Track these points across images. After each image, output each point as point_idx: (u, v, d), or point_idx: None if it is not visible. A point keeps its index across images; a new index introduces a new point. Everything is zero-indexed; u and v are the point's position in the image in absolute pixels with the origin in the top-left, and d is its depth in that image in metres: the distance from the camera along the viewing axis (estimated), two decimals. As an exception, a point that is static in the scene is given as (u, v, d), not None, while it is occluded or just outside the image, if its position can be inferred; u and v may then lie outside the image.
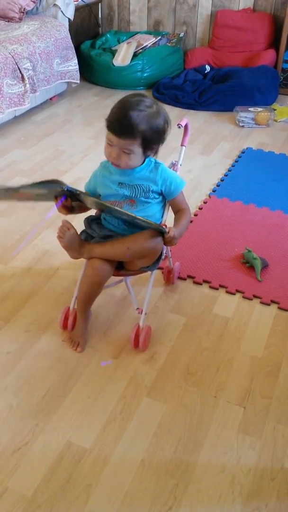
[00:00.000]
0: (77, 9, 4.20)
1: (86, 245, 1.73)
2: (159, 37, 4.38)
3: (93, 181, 1.80)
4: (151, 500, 1.38)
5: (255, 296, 2.08)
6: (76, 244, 1.72)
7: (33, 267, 2.22)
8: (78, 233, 1.75)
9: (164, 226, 1.75)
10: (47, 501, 1.37)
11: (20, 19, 3.74)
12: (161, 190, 1.71)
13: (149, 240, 1.67)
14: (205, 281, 2.16)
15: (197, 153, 3.24)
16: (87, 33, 4.60)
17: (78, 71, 3.92)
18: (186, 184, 1.78)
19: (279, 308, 2.03)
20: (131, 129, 1.57)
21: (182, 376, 1.74)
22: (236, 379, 1.74)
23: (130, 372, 1.75)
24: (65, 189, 1.62)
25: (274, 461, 1.49)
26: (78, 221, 1.83)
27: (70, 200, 1.73)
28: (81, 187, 2.88)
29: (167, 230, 1.65)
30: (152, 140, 1.62)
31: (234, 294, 2.10)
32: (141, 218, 1.59)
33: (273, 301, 2.06)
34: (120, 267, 1.80)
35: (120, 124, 1.57)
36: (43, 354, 1.81)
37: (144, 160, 1.68)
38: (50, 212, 2.58)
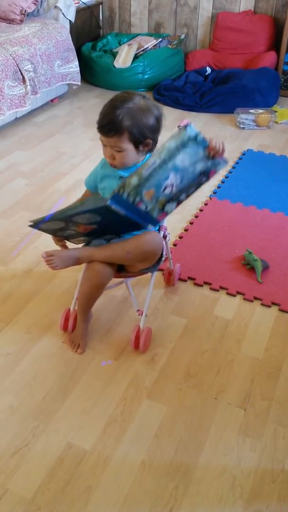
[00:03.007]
0: (78, 11, 4.21)
1: (85, 252, 1.72)
2: (160, 39, 4.38)
3: (93, 176, 1.80)
4: (152, 502, 1.38)
5: (255, 298, 2.08)
6: (71, 261, 1.70)
7: (33, 268, 2.22)
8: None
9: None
10: (47, 503, 1.37)
11: (21, 21, 3.75)
12: None
13: (149, 243, 1.67)
14: (206, 283, 2.16)
15: (198, 155, 3.24)
16: (88, 35, 4.61)
17: (79, 73, 3.92)
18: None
19: (280, 309, 2.03)
20: (114, 126, 1.57)
21: (183, 377, 1.74)
22: (236, 381, 1.73)
23: (130, 373, 1.75)
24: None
25: (274, 463, 1.49)
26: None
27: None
28: (81, 188, 2.88)
29: (207, 142, 1.56)
30: (141, 135, 1.60)
31: (234, 295, 2.10)
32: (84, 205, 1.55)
33: (273, 303, 2.06)
34: (120, 269, 1.80)
35: (104, 123, 1.59)
36: (43, 355, 1.81)
37: (146, 156, 1.69)
38: (50, 214, 2.58)
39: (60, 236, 1.74)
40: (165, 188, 1.54)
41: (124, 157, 1.63)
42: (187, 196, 1.63)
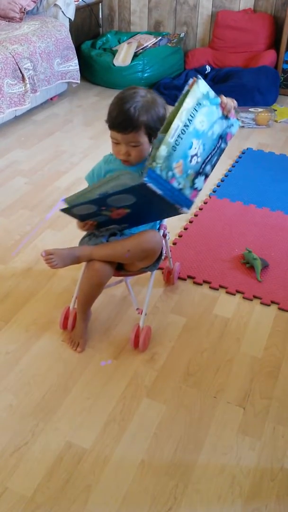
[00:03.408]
0: (78, 9, 4.20)
1: (84, 250, 1.72)
2: (160, 38, 4.37)
3: (97, 172, 1.78)
4: (151, 501, 1.38)
5: (255, 297, 2.08)
6: (70, 259, 1.70)
7: (33, 267, 2.22)
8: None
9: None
10: (47, 502, 1.37)
11: (21, 19, 3.74)
12: None
13: (149, 241, 1.67)
14: (205, 282, 2.16)
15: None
16: (88, 33, 4.60)
17: (79, 71, 3.92)
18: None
19: (279, 308, 2.03)
20: (132, 122, 1.56)
21: (182, 376, 1.74)
22: (236, 379, 1.73)
23: (130, 372, 1.75)
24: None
25: (274, 462, 1.49)
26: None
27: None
28: (80, 186, 2.88)
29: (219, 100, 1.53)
30: (155, 127, 1.60)
31: (234, 294, 2.10)
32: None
33: (273, 302, 2.06)
34: (120, 268, 1.80)
35: (121, 120, 1.57)
36: (43, 354, 1.81)
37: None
38: (50, 213, 2.59)
39: (92, 221, 1.69)
40: (191, 159, 1.50)
41: (141, 151, 1.62)
42: (212, 167, 1.59)
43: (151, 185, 1.40)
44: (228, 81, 3.93)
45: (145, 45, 4.29)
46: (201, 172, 1.55)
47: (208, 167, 1.57)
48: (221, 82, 4.01)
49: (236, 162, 3.15)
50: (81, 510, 1.36)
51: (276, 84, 3.95)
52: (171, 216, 1.67)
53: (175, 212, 1.56)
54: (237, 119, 1.58)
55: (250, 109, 3.64)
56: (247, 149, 3.31)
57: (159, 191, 1.43)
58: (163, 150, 1.41)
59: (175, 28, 4.55)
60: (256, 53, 4.13)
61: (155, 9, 4.55)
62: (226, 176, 2.98)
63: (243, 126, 3.61)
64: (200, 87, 1.46)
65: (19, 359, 1.79)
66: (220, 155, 1.60)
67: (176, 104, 1.44)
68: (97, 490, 1.40)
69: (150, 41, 4.34)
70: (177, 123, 1.42)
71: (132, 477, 1.44)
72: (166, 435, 1.55)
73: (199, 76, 1.46)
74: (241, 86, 3.77)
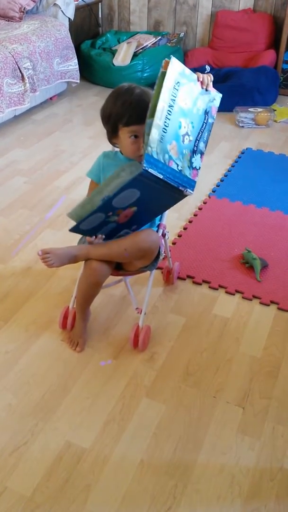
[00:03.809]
0: (77, 9, 4.20)
1: (82, 250, 1.71)
2: (159, 37, 4.37)
3: (97, 167, 1.78)
4: (150, 500, 1.38)
5: (254, 297, 2.08)
6: (67, 259, 1.70)
7: (32, 266, 2.22)
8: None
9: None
10: (46, 501, 1.37)
11: (20, 18, 3.74)
12: None
13: (145, 240, 1.67)
14: (205, 281, 2.16)
15: (197, 153, 3.24)
16: (87, 33, 4.60)
17: (78, 71, 3.91)
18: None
19: (279, 308, 2.03)
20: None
21: (182, 376, 1.74)
22: (235, 379, 1.73)
23: (129, 372, 1.75)
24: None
25: (273, 462, 1.49)
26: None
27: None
28: (80, 186, 2.87)
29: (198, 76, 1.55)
30: None
31: (233, 294, 2.10)
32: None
33: (272, 302, 2.06)
34: (119, 267, 1.80)
35: (143, 109, 1.51)
36: (42, 353, 1.81)
37: None
38: (49, 212, 2.58)
39: (102, 233, 1.68)
40: (183, 139, 1.51)
41: None
42: (205, 144, 1.60)
43: (151, 170, 1.40)
44: (228, 81, 3.93)
45: (144, 44, 4.29)
46: (196, 151, 1.56)
47: (201, 144, 1.58)
48: (220, 82, 4.00)
49: (236, 162, 3.15)
50: (80, 510, 1.36)
51: (276, 84, 3.95)
52: (177, 202, 1.65)
53: (180, 196, 1.57)
54: (217, 92, 1.60)
55: (249, 109, 3.64)
56: (247, 149, 3.31)
57: (160, 176, 1.43)
58: (154, 134, 1.41)
59: (175, 28, 4.55)
60: (255, 53, 4.13)
61: (154, 8, 4.54)
62: (225, 176, 2.98)
63: (242, 126, 3.61)
64: (175, 66, 1.46)
65: (19, 358, 1.79)
66: (210, 130, 1.61)
67: (155, 87, 1.44)
68: (97, 489, 1.40)
69: (149, 40, 4.34)
70: (162, 105, 1.42)
71: (132, 476, 1.44)
72: (165, 434, 1.55)
73: (171, 56, 1.46)
74: (241, 86, 3.77)
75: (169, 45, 4.28)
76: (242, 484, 1.43)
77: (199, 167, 1.58)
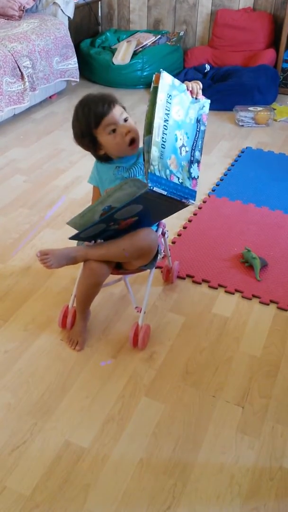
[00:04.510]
0: (77, 8, 4.19)
1: (80, 251, 1.71)
2: (159, 36, 4.37)
3: (95, 172, 1.82)
4: (150, 500, 1.38)
5: (254, 296, 2.08)
6: (66, 260, 1.70)
7: (32, 265, 2.22)
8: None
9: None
10: (45, 500, 1.37)
11: (20, 17, 3.73)
12: None
13: (143, 239, 1.66)
14: (204, 281, 2.16)
15: (197, 152, 3.24)
16: (87, 32, 4.60)
17: (78, 70, 3.91)
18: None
19: (278, 307, 2.03)
20: (111, 98, 1.64)
21: (181, 375, 1.74)
22: (234, 378, 1.73)
23: (129, 371, 1.75)
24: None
25: (272, 461, 1.49)
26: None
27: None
28: (79, 185, 2.87)
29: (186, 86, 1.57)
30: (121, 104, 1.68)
31: (233, 293, 2.10)
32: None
33: (272, 301, 2.06)
34: (118, 266, 1.79)
35: (104, 101, 1.62)
36: (41, 353, 1.81)
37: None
38: (49, 212, 2.58)
39: (101, 239, 1.72)
40: (180, 151, 1.52)
41: (133, 122, 1.66)
42: (200, 152, 1.61)
43: (156, 189, 1.42)
44: (228, 80, 3.92)
45: (144, 43, 4.29)
46: (193, 160, 1.57)
47: (197, 153, 1.60)
48: (220, 81, 4.00)
49: (235, 161, 3.14)
50: (79, 509, 1.36)
51: (276, 83, 3.95)
52: (179, 211, 1.67)
53: (182, 206, 1.58)
54: (206, 99, 1.61)
55: (249, 108, 3.64)
56: (246, 148, 3.31)
57: (164, 192, 1.45)
58: (155, 151, 1.43)
59: (175, 27, 4.55)
60: (255, 52, 4.13)
61: (154, 7, 4.54)
62: (225, 175, 2.98)
63: (242, 125, 3.60)
64: (165, 79, 1.47)
65: (18, 357, 1.79)
66: (203, 138, 1.62)
67: (149, 103, 1.46)
68: (96, 489, 1.40)
69: (149, 39, 4.33)
70: (158, 121, 1.44)
71: (131, 476, 1.44)
72: (164, 434, 1.55)
73: (161, 70, 1.48)
74: (241, 85, 3.77)
75: (169, 44, 4.27)
76: (241, 483, 1.43)
77: (198, 176, 1.60)
